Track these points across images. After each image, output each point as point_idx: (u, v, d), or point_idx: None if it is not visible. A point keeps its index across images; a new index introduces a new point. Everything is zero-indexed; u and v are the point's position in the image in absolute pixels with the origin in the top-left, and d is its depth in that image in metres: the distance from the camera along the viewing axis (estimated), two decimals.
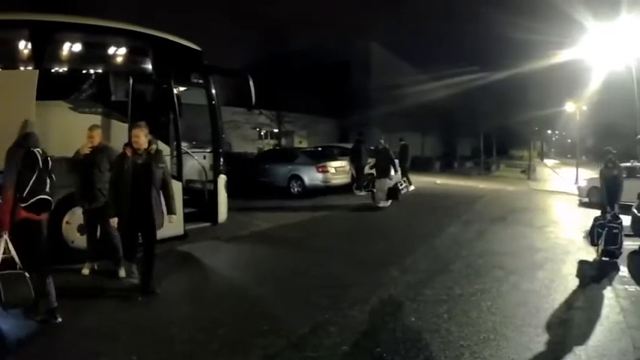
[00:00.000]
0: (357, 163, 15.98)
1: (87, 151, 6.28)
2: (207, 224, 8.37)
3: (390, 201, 13.62)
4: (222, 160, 8.58)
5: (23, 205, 4.71)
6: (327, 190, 15.45)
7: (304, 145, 31.22)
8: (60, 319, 4.88)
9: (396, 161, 14.79)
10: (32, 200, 4.68)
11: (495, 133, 45.91)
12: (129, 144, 5.78)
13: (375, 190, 13.93)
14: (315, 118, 32.83)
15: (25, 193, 4.67)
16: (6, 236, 4.70)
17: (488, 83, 35.57)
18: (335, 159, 16.41)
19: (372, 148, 15.73)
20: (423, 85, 35.65)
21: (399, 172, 13.96)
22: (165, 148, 7.10)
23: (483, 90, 36.83)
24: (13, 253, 4.72)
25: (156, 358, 4.36)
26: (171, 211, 5.85)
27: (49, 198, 4.82)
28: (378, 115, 33.36)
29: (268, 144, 30.17)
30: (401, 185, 14.11)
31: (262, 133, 30.94)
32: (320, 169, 15.48)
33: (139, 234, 5.86)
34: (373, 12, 39.81)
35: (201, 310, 5.47)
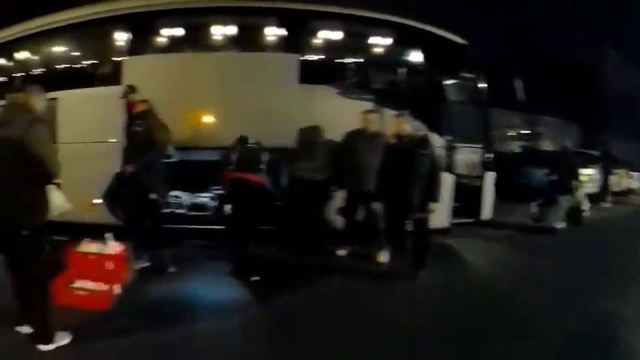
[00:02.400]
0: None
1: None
2: (471, 220, 7.75)
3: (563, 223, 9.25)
4: (491, 156, 7.88)
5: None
6: None
7: (549, 148, 28.00)
8: None
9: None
10: None
11: None
12: (394, 134, 5.53)
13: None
14: (559, 122, 29.45)
15: None
16: None
17: None
18: (584, 166, 13.94)
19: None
20: None
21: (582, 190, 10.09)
22: (437, 140, 6.62)
23: None
24: None
25: (399, 347, 3.95)
26: (432, 198, 5.37)
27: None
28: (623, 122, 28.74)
29: (519, 145, 27.80)
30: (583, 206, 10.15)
31: (513, 134, 28.74)
32: None
33: (405, 221, 5.48)
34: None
35: (455, 306, 4.94)
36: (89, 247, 5.21)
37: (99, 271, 4.96)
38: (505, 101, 8.50)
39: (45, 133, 3.62)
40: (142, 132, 5.36)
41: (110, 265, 5.04)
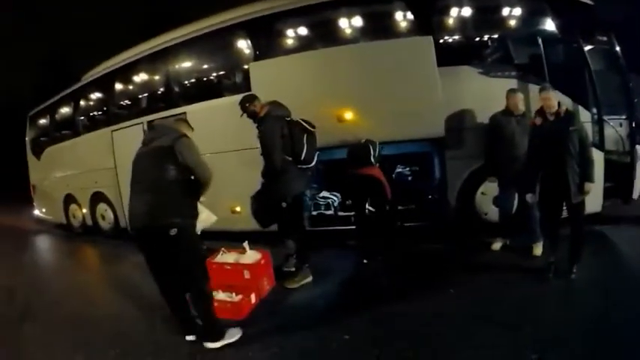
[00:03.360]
0: None
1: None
2: (619, 201, 6.64)
3: None
4: (638, 128, 6.71)
5: None
6: None
7: None
8: None
9: None
10: None
11: None
12: (538, 112, 4.84)
13: None
14: None
15: None
16: None
17: None
18: None
19: None
20: None
21: None
22: (583, 114, 5.82)
23: None
24: None
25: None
26: (588, 178, 4.65)
27: None
28: None
29: None
30: None
31: None
32: None
33: (562, 207, 4.79)
34: None
35: (615, 307, 4.09)
36: (226, 257, 5.14)
37: (235, 281, 4.88)
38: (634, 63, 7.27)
39: (192, 145, 3.87)
40: (261, 138, 5.12)
41: (247, 275, 4.93)
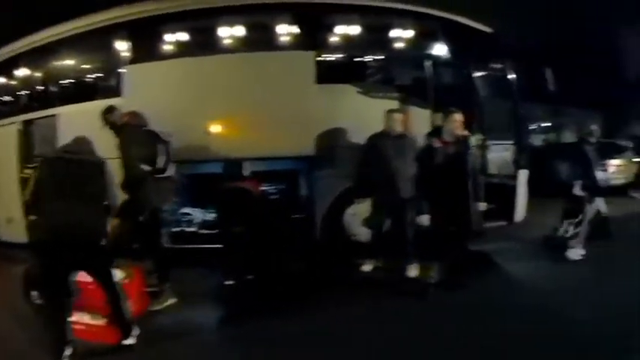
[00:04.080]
0: None
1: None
2: (503, 223, 6.79)
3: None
4: (524, 153, 7.00)
5: None
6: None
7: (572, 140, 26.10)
8: None
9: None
10: None
11: None
12: (433, 133, 4.98)
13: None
14: (584, 111, 27.66)
15: None
16: None
17: None
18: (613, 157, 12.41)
19: None
20: None
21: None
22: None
23: None
24: None
25: None
26: (478, 199, 4.97)
27: None
28: None
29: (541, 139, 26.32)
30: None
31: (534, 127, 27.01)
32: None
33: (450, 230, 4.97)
34: None
35: (503, 323, 4.13)
36: (86, 275, 4.64)
37: (98, 303, 4.37)
38: (530, 92, 7.64)
39: None
40: (118, 148, 4.86)
41: None
